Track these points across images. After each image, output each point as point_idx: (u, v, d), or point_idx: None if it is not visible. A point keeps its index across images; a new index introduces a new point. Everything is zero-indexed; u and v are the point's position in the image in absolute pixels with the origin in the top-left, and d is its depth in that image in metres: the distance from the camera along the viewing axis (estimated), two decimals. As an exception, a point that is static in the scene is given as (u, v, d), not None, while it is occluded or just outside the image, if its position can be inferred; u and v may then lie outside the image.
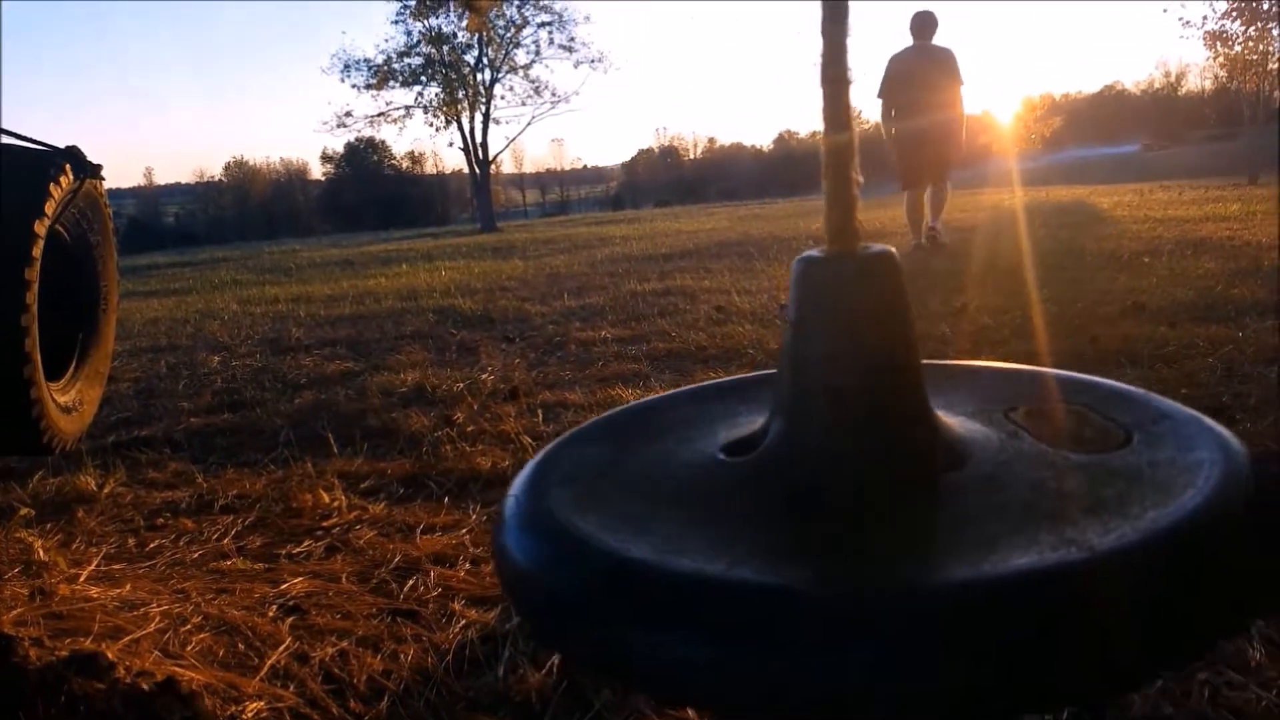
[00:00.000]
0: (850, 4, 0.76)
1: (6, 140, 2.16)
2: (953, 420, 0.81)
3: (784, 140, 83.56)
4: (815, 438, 0.76)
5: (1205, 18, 23.03)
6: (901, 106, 7.14)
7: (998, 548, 0.61)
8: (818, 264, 0.78)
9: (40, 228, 1.94)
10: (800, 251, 0.81)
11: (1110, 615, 0.57)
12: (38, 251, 1.93)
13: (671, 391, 1.04)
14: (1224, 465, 0.69)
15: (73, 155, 2.19)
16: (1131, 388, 0.87)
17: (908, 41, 7.23)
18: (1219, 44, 22.47)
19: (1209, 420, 0.77)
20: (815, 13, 0.77)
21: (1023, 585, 0.58)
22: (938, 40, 7.22)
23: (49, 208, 2.00)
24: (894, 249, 0.77)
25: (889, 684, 0.55)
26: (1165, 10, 24.03)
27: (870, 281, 0.76)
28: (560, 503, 0.76)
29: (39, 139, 2.20)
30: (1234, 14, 21.76)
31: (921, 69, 7.04)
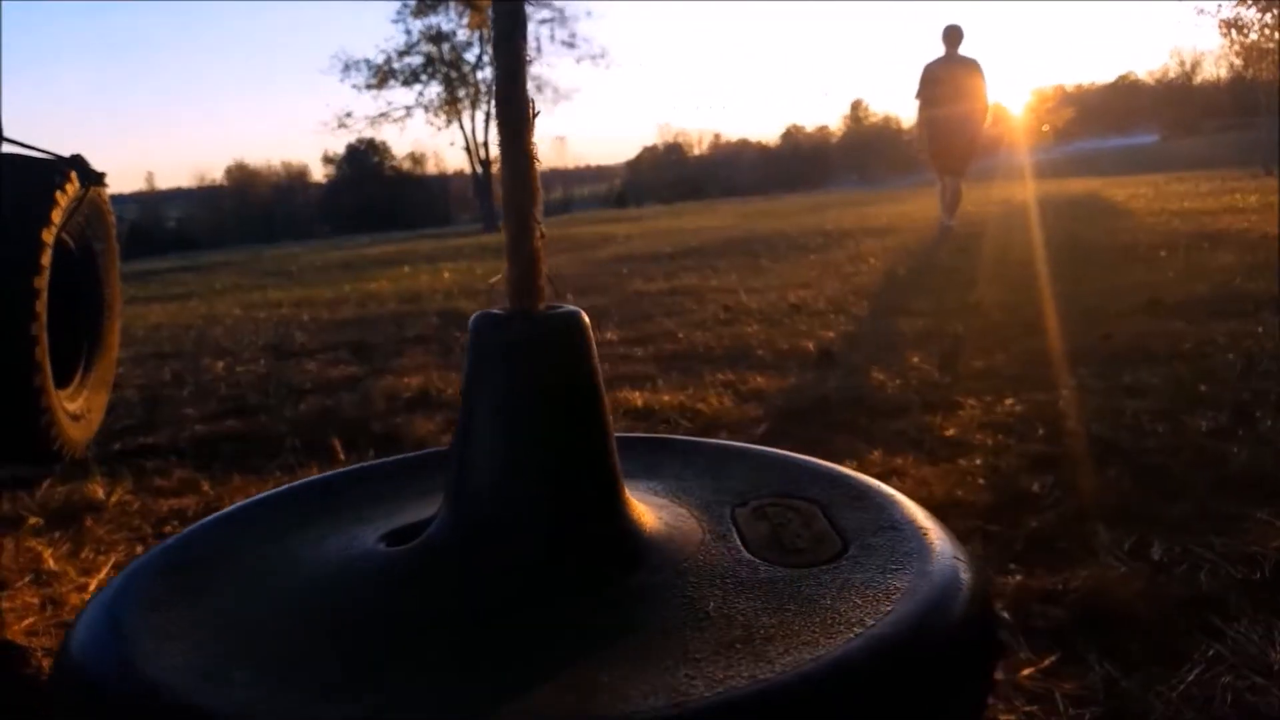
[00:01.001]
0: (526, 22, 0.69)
1: (12, 150, 2.15)
2: (659, 511, 0.75)
3: (790, 135, 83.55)
4: (474, 525, 0.68)
5: (1220, 5, 22.84)
6: (934, 118, 8.39)
7: (595, 688, 0.56)
8: (494, 323, 0.70)
9: (48, 236, 1.94)
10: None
11: None
12: (46, 260, 1.92)
13: (346, 469, 0.95)
14: (917, 599, 0.62)
15: (77, 164, 2.18)
16: (881, 487, 0.82)
17: (940, 51, 8.57)
18: (1234, 31, 22.34)
19: (941, 536, 0.71)
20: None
21: None
22: (965, 50, 8.51)
23: (56, 216, 1.99)
24: (581, 311, 0.69)
25: None
26: (1179, -1, 23.97)
27: (551, 344, 0.69)
28: (137, 609, 0.66)
29: (43, 148, 2.19)
30: (1249, 1, 21.67)
31: (951, 75, 8.33)
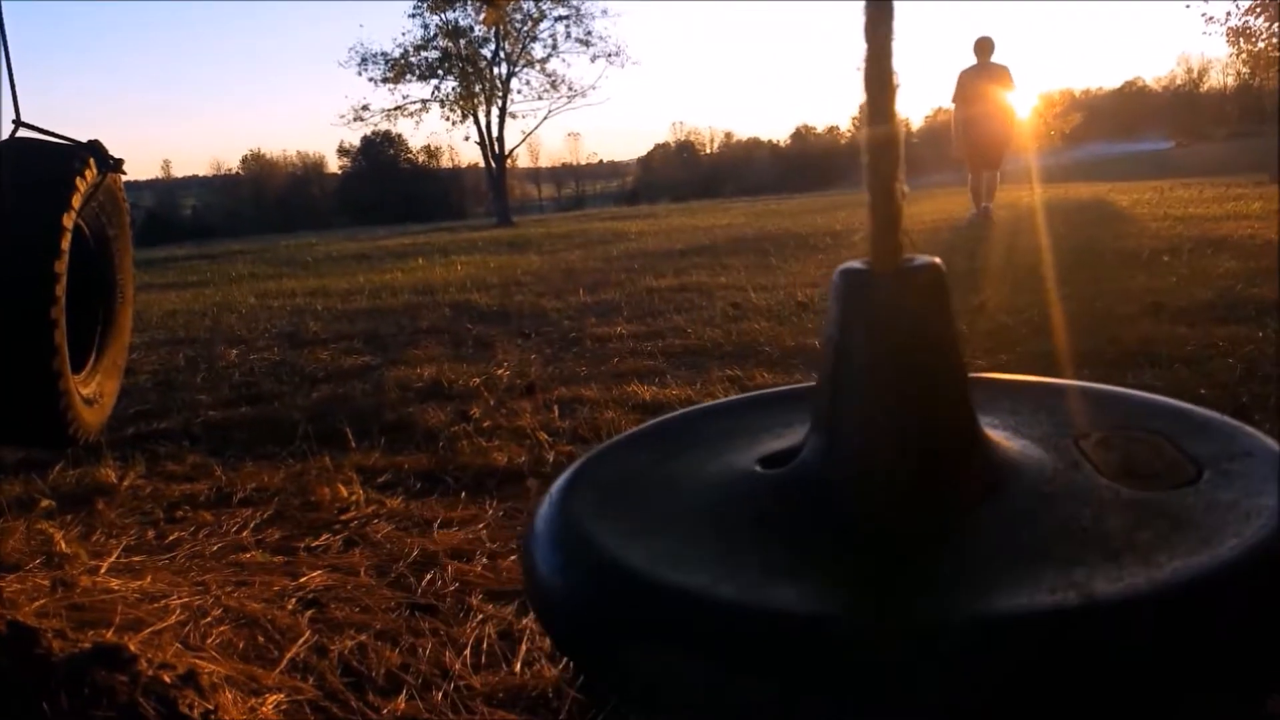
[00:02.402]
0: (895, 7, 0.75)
1: (29, 135, 2.18)
2: (1010, 443, 0.79)
3: (801, 135, 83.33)
4: (848, 455, 0.74)
5: (1229, 14, 22.70)
6: (968, 117, 9.36)
7: (1000, 586, 0.60)
8: (859, 276, 0.75)
9: (68, 221, 1.96)
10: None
11: (1097, 670, 0.54)
12: (66, 244, 1.95)
13: (711, 403, 1.02)
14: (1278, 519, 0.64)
15: (95, 149, 2.21)
16: (1223, 418, 0.83)
17: (971, 60, 9.63)
18: (1242, 40, 22.25)
19: None
20: (853, 13, 0.76)
21: (1004, 628, 0.56)
22: (996, 58, 9.60)
23: (75, 201, 2.02)
24: (939, 261, 0.75)
25: (853, 716, 0.55)
26: (1188, 6, 23.75)
27: (914, 295, 0.74)
28: (584, 513, 0.76)
29: (60, 133, 2.22)
30: (1258, 10, 21.55)
31: (983, 81, 9.37)
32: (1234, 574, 0.59)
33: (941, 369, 0.74)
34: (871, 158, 0.75)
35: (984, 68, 9.55)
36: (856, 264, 0.77)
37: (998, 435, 0.80)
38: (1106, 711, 0.55)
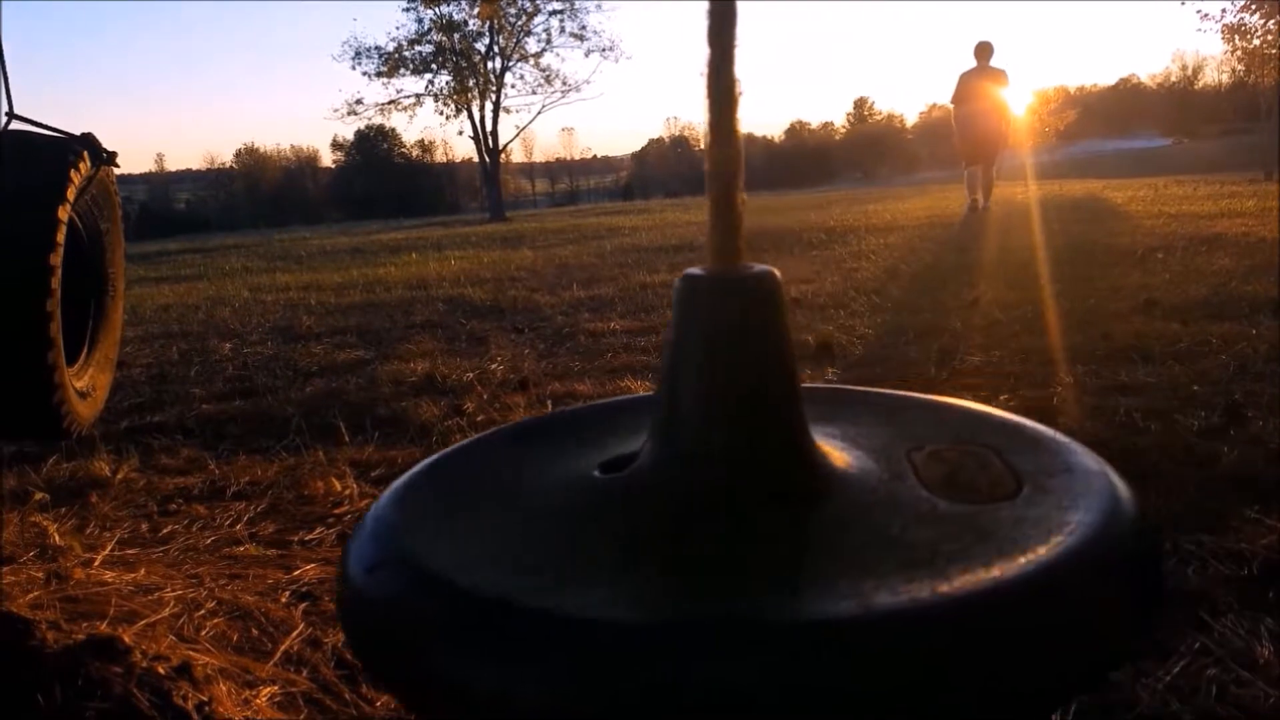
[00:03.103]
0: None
1: (22, 127, 2.17)
2: (843, 454, 0.80)
3: (795, 131, 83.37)
4: (676, 459, 0.76)
5: (1224, 10, 22.73)
6: (966, 114, 9.99)
7: (789, 595, 0.61)
8: (698, 282, 0.77)
9: (63, 214, 1.96)
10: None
11: (866, 682, 0.55)
12: (61, 237, 1.94)
13: (553, 412, 1.04)
14: (1086, 533, 0.65)
15: (88, 142, 2.20)
16: (1055, 434, 0.84)
17: (971, 63, 10.27)
18: (1237, 37, 22.28)
19: (1114, 479, 0.75)
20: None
21: (769, 637, 0.57)
22: (994, 61, 10.27)
23: (70, 194, 2.01)
24: (776, 270, 0.76)
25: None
26: (1183, 3, 23.72)
27: (749, 302, 0.75)
28: (406, 517, 0.76)
29: (53, 126, 2.22)
30: (1253, 7, 21.58)
31: (980, 87, 10.01)
32: (1019, 589, 0.60)
33: (771, 377, 0.75)
34: (713, 164, 0.77)
35: (982, 70, 10.13)
36: (696, 270, 0.78)
37: (834, 446, 0.82)
38: None
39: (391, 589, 0.68)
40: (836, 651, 0.56)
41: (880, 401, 0.99)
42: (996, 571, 0.61)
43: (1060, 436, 0.85)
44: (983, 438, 0.86)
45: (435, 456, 0.91)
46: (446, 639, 0.62)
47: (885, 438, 0.87)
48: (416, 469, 0.88)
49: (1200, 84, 73.15)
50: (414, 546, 0.71)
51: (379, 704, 1.41)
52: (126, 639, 1.35)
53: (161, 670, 1.29)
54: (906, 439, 0.86)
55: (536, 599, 0.62)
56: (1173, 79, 74.90)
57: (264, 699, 1.37)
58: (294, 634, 1.58)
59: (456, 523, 0.76)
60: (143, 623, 1.58)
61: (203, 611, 1.65)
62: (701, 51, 0.74)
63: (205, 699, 1.28)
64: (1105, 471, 0.77)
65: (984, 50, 10.13)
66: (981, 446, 0.84)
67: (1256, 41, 22.04)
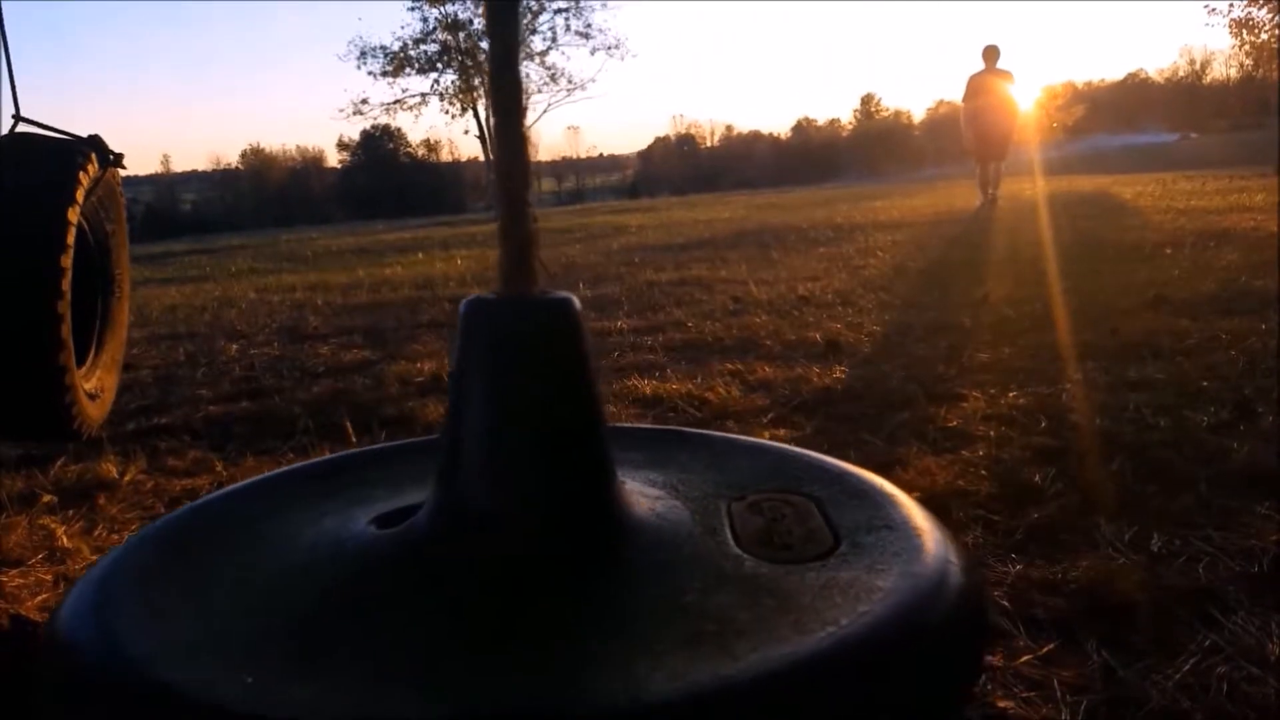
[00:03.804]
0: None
1: (29, 129, 2.17)
2: (657, 504, 0.74)
3: (802, 128, 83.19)
4: (458, 510, 0.68)
5: (1231, 5, 22.67)
6: (976, 109, 10.60)
7: (558, 679, 0.55)
8: (483, 306, 0.70)
9: (73, 215, 1.97)
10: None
11: None
12: (71, 239, 1.95)
13: (340, 454, 0.94)
14: (899, 599, 0.60)
15: (96, 144, 2.21)
16: (882, 486, 0.80)
17: (980, 65, 10.96)
18: (1245, 31, 22.24)
19: (934, 538, 0.69)
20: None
21: None
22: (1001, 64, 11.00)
23: (79, 195, 2.02)
24: (572, 297, 0.68)
25: None
26: (1189, -3, 23.66)
27: (544, 331, 0.68)
28: (129, 583, 0.67)
29: (59, 128, 2.22)
30: (1260, 2, 21.51)
31: (989, 83, 10.70)
32: (810, 669, 0.55)
33: (568, 410, 0.68)
34: (500, 177, 0.69)
35: (990, 71, 10.83)
36: (485, 295, 0.71)
37: (653, 492, 0.76)
38: None
39: (85, 671, 0.59)
40: None
41: (712, 444, 0.93)
42: (789, 647, 0.56)
43: (889, 488, 0.80)
44: (809, 487, 0.81)
45: (182, 510, 0.81)
46: None
47: (710, 485, 0.81)
48: (163, 521, 0.78)
49: (1208, 79, 72.90)
50: (129, 622, 0.62)
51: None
52: (134, 641, 1.35)
53: (169, 673, 1.29)
54: (731, 487, 0.81)
55: (244, 699, 0.54)
56: (1180, 74, 74.67)
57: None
58: (301, 635, 1.58)
59: (194, 593, 0.66)
60: (150, 625, 1.58)
61: (210, 613, 1.65)
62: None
63: (213, 701, 1.27)
64: (928, 529, 0.72)
65: (991, 53, 10.80)
66: (805, 497, 0.79)
67: (1264, 36, 21.98)
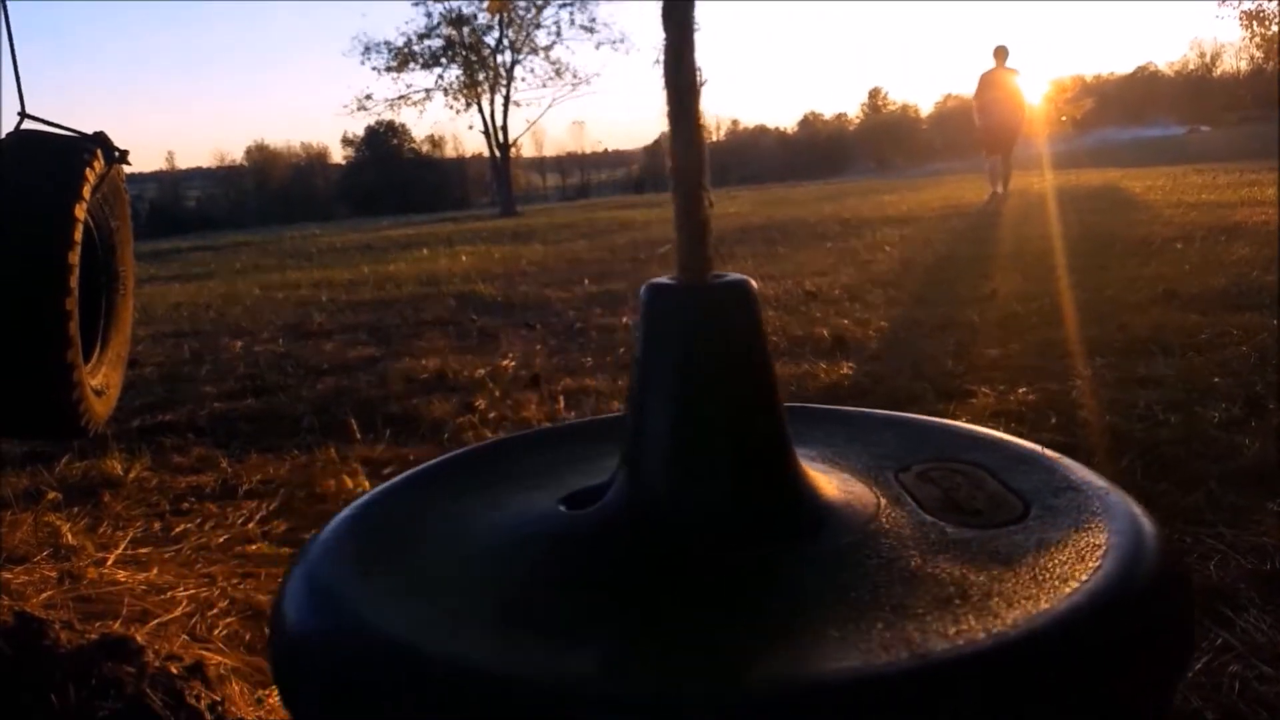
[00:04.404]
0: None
1: (34, 126, 2.17)
2: (828, 478, 0.74)
3: (808, 122, 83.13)
4: (652, 493, 0.68)
5: (1242, -2, 22.62)
6: (986, 105, 11.09)
7: (822, 644, 0.54)
8: (664, 292, 0.70)
9: (80, 212, 1.96)
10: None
11: None
12: (78, 235, 1.95)
13: (516, 434, 0.96)
14: (1122, 553, 0.61)
15: (101, 141, 2.20)
16: (1041, 451, 0.80)
17: (990, 64, 11.43)
18: (1255, 24, 22.15)
19: (1120, 495, 0.70)
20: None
21: (831, 696, 0.50)
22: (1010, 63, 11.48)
23: (86, 192, 2.02)
24: (749, 279, 0.69)
25: None
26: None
27: (723, 314, 0.69)
28: (347, 564, 0.68)
29: (64, 125, 2.21)
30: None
31: (998, 81, 11.17)
32: (1076, 623, 0.55)
33: (752, 392, 0.69)
34: (675, 165, 0.69)
35: (1000, 69, 11.31)
36: (664, 279, 0.72)
37: (820, 468, 0.76)
38: None
39: (336, 652, 0.60)
40: (903, 712, 0.50)
41: (852, 420, 0.92)
42: (1045, 604, 0.57)
43: (1050, 453, 0.80)
44: (970, 455, 0.81)
45: (377, 490, 0.83)
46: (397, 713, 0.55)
47: (866, 458, 0.81)
48: (357, 504, 0.79)
49: (1218, 71, 72.68)
50: (360, 601, 0.63)
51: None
52: (139, 639, 1.35)
53: (174, 670, 1.29)
54: (888, 459, 0.80)
55: (499, 665, 0.55)
56: (1190, 66, 74.48)
57: (277, 699, 1.36)
58: (307, 634, 1.57)
59: (402, 570, 0.68)
60: (155, 622, 1.58)
61: (215, 611, 1.65)
62: (659, 37, 0.68)
63: (218, 699, 1.27)
64: (1112, 488, 0.72)
65: (1001, 53, 11.31)
66: (970, 465, 0.79)
67: (1275, 28, 21.89)
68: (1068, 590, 0.58)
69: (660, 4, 0.68)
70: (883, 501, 0.72)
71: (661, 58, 0.68)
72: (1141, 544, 0.63)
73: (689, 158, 0.69)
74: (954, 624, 0.55)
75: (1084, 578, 0.59)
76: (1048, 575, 0.60)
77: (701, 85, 0.69)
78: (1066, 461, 0.78)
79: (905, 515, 0.70)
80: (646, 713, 0.51)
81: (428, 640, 0.58)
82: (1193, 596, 0.72)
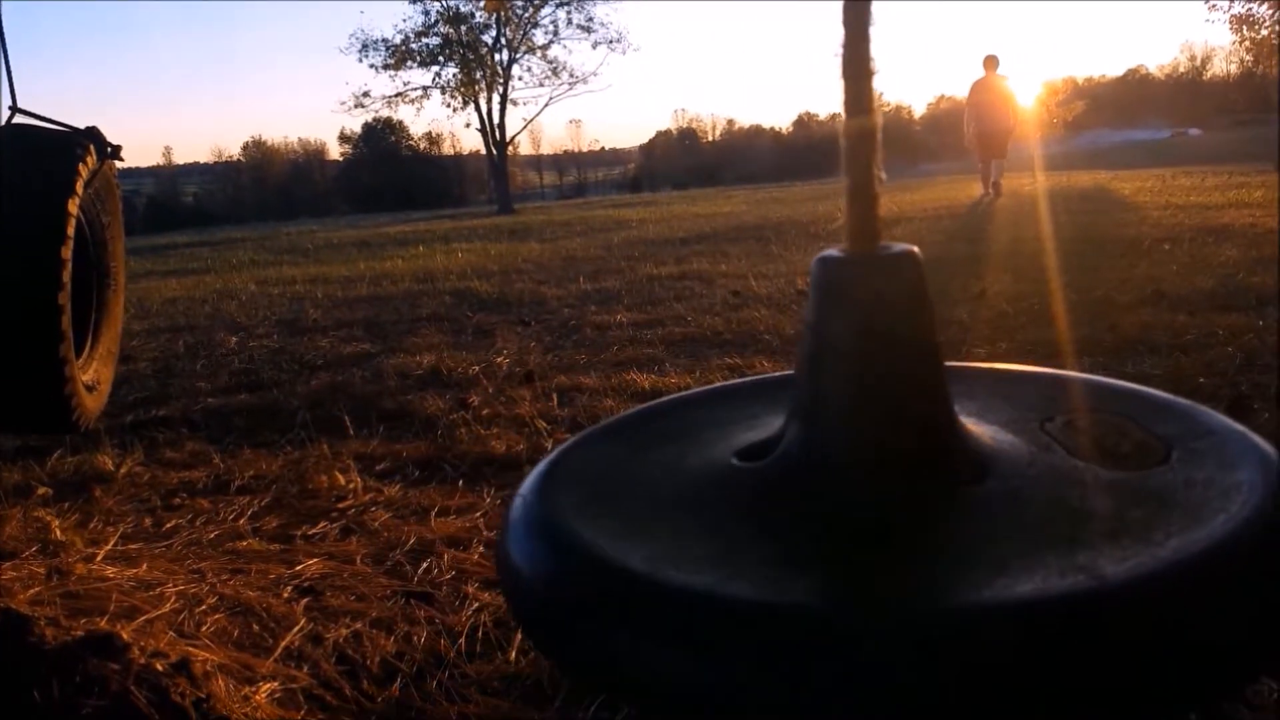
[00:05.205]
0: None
1: (26, 121, 2.17)
2: (982, 429, 0.79)
3: (804, 122, 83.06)
4: (830, 444, 0.74)
5: (1231, 1, 22.61)
6: (978, 112, 11.55)
7: (1006, 571, 0.59)
8: (838, 263, 0.75)
9: (73, 207, 1.96)
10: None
11: (1119, 650, 0.54)
12: (71, 230, 1.95)
13: (685, 393, 1.02)
14: (1264, 489, 0.65)
15: (94, 136, 2.20)
16: (1177, 399, 0.84)
17: (981, 73, 11.90)
18: (1245, 28, 22.15)
19: (1256, 438, 0.74)
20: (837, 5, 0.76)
21: (1022, 614, 0.56)
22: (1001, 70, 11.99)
23: (79, 187, 2.02)
24: (915, 249, 0.75)
25: (862, 705, 0.54)
26: (1191, -7, 23.64)
27: (892, 282, 0.74)
28: (564, 508, 0.75)
29: (56, 120, 2.22)
30: (1261, -4, 21.44)
31: (991, 88, 11.66)
32: (1231, 549, 0.60)
33: (921, 353, 0.74)
34: (850, 146, 0.75)
35: (990, 76, 11.79)
36: (834, 251, 0.77)
37: (969, 421, 0.80)
38: (1125, 695, 0.55)
39: (577, 580, 0.67)
40: (1086, 629, 0.55)
41: (981, 375, 0.97)
42: (1203, 532, 0.61)
43: (1185, 401, 0.84)
44: (1108, 405, 0.85)
45: (568, 443, 0.90)
46: (653, 634, 0.61)
47: (1008, 411, 0.85)
48: (551, 457, 0.87)
49: (1209, 74, 72.82)
50: (590, 536, 0.70)
51: (380, 699, 1.41)
52: (125, 635, 1.35)
53: (160, 667, 1.29)
54: (1030, 410, 0.85)
55: (738, 590, 0.61)
56: (1181, 70, 74.56)
57: (263, 695, 1.37)
58: (295, 629, 1.58)
59: (614, 512, 0.75)
60: (142, 619, 1.58)
61: (203, 607, 1.65)
62: (838, 32, 0.74)
63: (203, 695, 1.28)
64: (1244, 432, 0.76)
65: (991, 61, 11.85)
66: (1112, 414, 0.83)
67: (1265, 32, 21.91)
68: (1219, 522, 0.62)
69: (840, 3, 0.74)
70: (1035, 449, 0.76)
71: (840, 52, 0.74)
72: (1278, 480, 0.67)
73: (863, 141, 0.75)
74: (1122, 552, 0.60)
75: (1231, 511, 0.63)
76: (1198, 510, 0.64)
77: (874, 75, 0.75)
78: (1202, 409, 0.82)
79: (1059, 460, 0.75)
80: (861, 635, 0.56)
81: (663, 573, 0.64)
82: None
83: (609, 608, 0.64)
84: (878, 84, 0.75)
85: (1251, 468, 0.69)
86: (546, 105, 35.71)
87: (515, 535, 0.74)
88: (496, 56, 30.76)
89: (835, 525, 0.69)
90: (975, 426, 0.79)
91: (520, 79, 39.04)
